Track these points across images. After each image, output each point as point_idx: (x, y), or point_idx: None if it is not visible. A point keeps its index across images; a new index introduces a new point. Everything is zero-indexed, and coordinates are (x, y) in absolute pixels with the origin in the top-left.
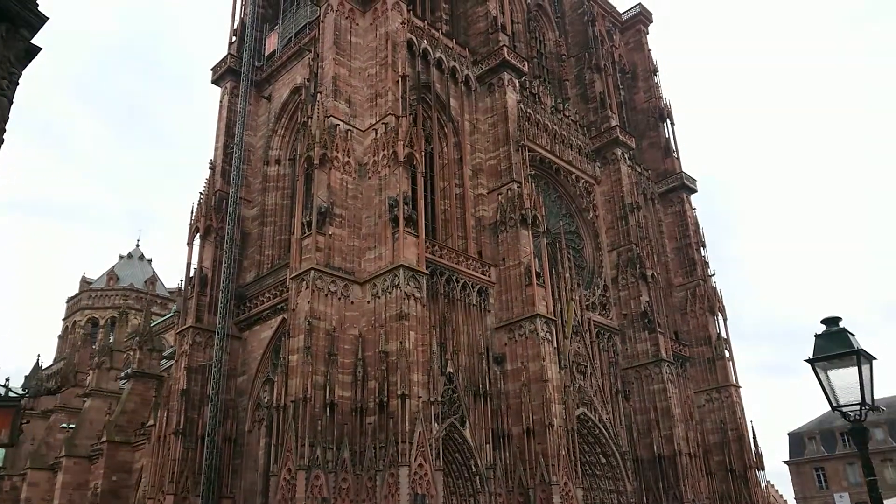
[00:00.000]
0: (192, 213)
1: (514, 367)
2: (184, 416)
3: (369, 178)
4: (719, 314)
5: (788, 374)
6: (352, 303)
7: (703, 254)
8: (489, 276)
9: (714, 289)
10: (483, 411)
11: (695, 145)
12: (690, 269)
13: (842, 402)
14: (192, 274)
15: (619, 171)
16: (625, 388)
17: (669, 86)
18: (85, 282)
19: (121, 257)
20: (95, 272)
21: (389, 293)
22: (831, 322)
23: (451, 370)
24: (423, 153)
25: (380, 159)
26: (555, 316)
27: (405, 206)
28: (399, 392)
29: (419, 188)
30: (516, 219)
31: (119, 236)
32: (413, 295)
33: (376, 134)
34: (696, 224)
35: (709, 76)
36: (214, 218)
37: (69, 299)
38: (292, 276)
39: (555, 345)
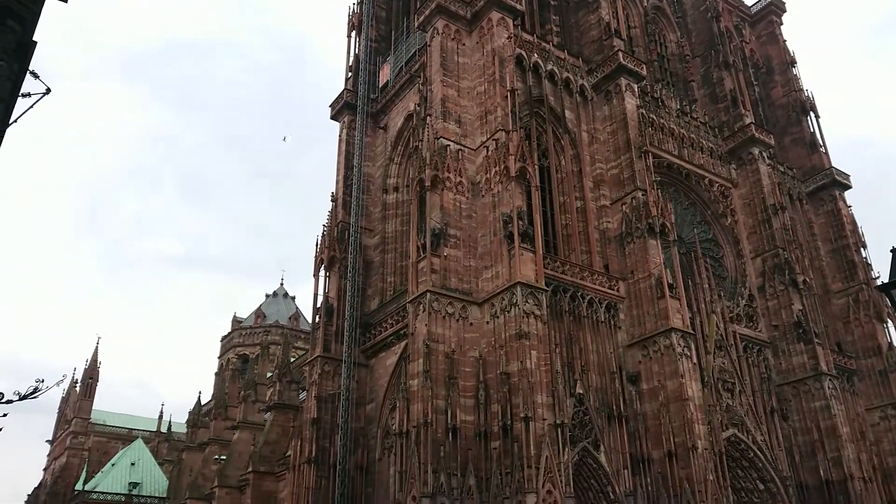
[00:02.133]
0: (316, 245)
1: (651, 386)
2: (315, 445)
3: (482, 196)
4: (889, 321)
5: None
6: (470, 324)
7: (864, 255)
8: (617, 291)
9: (881, 294)
10: (619, 434)
11: (844, 138)
12: (850, 273)
13: None
14: (318, 305)
15: (757, 172)
16: (781, 406)
17: (810, 77)
18: (236, 321)
19: (267, 296)
20: (245, 312)
21: (508, 312)
22: None
23: (581, 391)
24: (536, 167)
25: (492, 176)
26: (693, 330)
27: (520, 222)
28: (522, 414)
29: (535, 203)
30: (643, 228)
31: (266, 278)
32: (532, 312)
33: (487, 151)
34: (854, 223)
35: (851, 63)
36: (338, 248)
37: (223, 338)
38: (409, 299)
39: (694, 360)
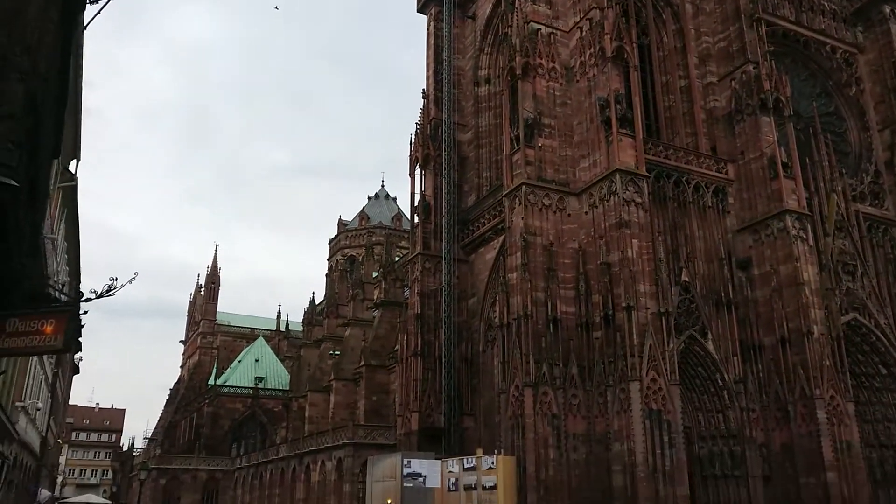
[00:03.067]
0: (410, 144)
1: (762, 272)
2: (421, 339)
3: (577, 81)
4: None
5: None
6: (568, 215)
7: None
8: (726, 174)
9: None
10: (727, 321)
11: None
12: None
13: None
14: (416, 204)
15: (888, 33)
16: None
17: None
18: (341, 224)
19: (369, 198)
20: (350, 215)
21: (607, 201)
22: None
23: (687, 279)
24: (634, 46)
25: (586, 59)
26: (810, 211)
27: (618, 106)
28: (624, 304)
29: (633, 85)
30: (754, 105)
31: (368, 181)
32: (633, 200)
33: (581, 32)
34: None
35: None
36: (431, 146)
37: (330, 241)
38: (505, 193)
39: (811, 243)
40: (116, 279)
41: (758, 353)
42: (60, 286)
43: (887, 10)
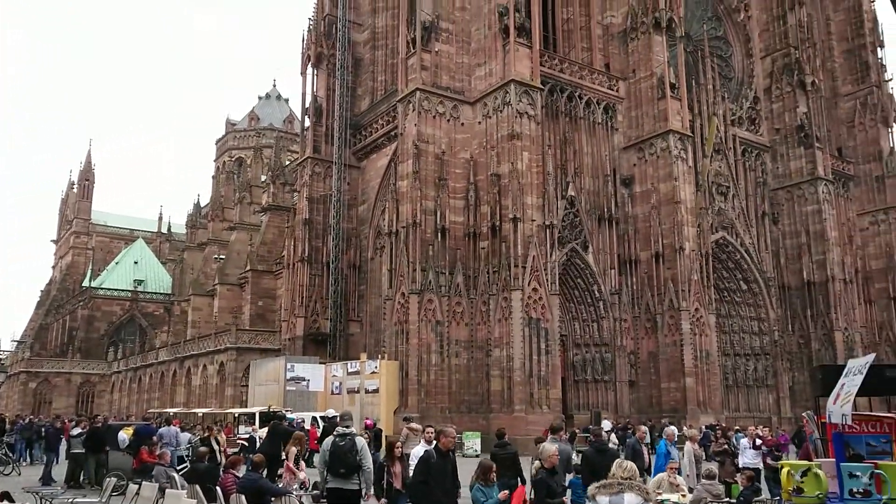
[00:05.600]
0: (303, 41)
1: (644, 189)
2: (309, 245)
3: None
4: (894, 125)
5: None
6: (462, 124)
7: (879, 56)
8: (617, 91)
9: (890, 96)
10: (608, 236)
11: None
12: (863, 75)
13: None
14: (307, 105)
15: None
16: (773, 210)
17: None
18: (230, 123)
19: (260, 98)
20: (240, 115)
21: (500, 112)
22: None
23: (573, 193)
24: None
25: None
26: (692, 132)
27: (517, 14)
28: (511, 215)
29: None
30: (649, 23)
31: (260, 80)
32: (526, 112)
33: None
34: (875, 20)
35: None
36: (325, 44)
37: (217, 141)
38: (399, 98)
39: (690, 164)
40: None
41: (634, 267)
42: None
43: None
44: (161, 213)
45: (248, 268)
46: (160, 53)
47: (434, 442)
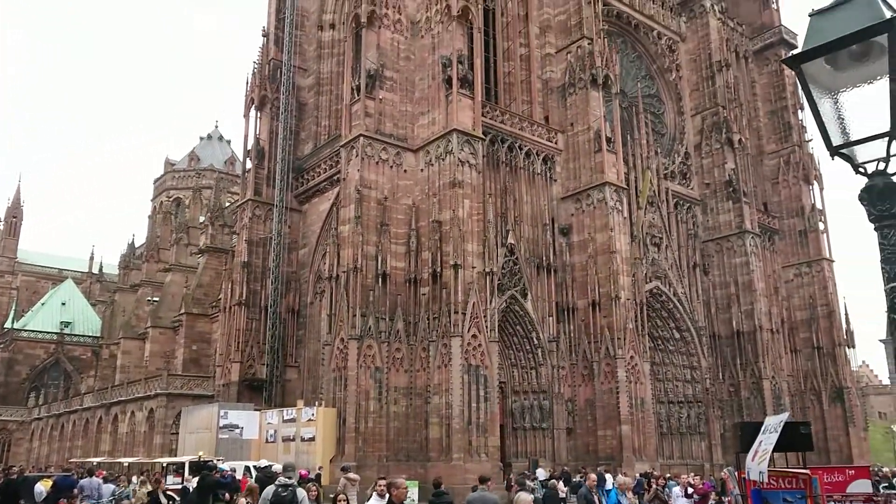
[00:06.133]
0: (247, 83)
1: (581, 239)
2: (246, 288)
3: (422, 36)
4: (815, 183)
5: None
6: (405, 171)
7: (800, 117)
8: (556, 143)
9: (811, 156)
10: (546, 284)
11: None
12: (785, 135)
13: (853, 135)
14: (249, 147)
15: (707, 26)
16: (704, 261)
17: None
18: (169, 163)
19: (201, 139)
20: (180, 155)
21: (443, 160)
22: None
23: (513, 241)
24: (480, 7)
25: (432, 15)
26: (627, 185)
27: (460, 66)
28: (452, 262)
29: (477, 47)
30: (586, 79)
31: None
32: (467, 161)
33: None
34: (795, 84)
35: None
36: (269, 88)
37: (155, 181)
38: (342, 143)
39: (625, 215)
40: None
41: (571, 315)
42: None
43: (708, 3)
44: (93, 253)
45: (183, 310)
46: (96, 92)
47: (386, 495)
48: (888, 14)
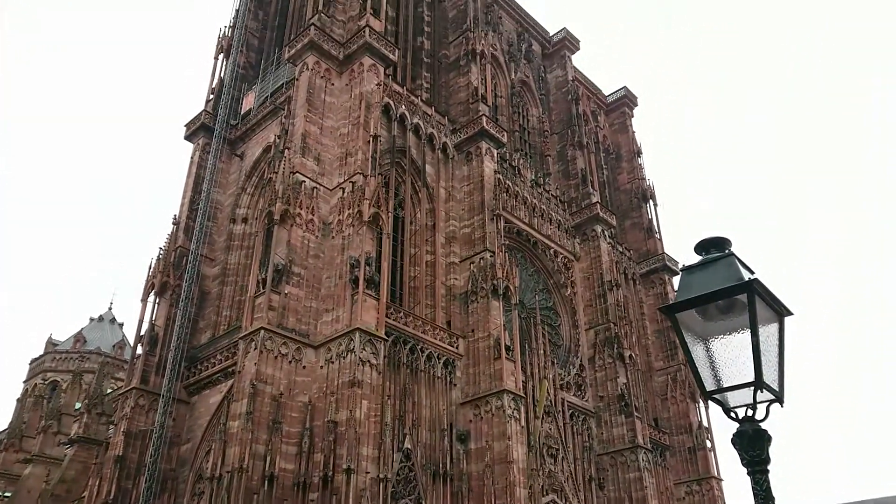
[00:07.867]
0: (149, 268)
1: (479, 446)
2: (117, 486)
3: (332, 237)
4: (701, 402)
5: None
6: (304, 367)
7: None
8: (457, 348)
9: None
10: (442, 493)
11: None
12: (672, 353)
13: (725, 382)
14: (142, 332)
15: (598, 248)
16: (599, 475)
17: (653, 167)
18: (51, 343)
19: (91, 320)
20: (66, 334)
21: (343, 358)
22: (712, 246)
23: (409, 446)
24: (390, 215)
25: (344, 218)
26: (525, 393)
27: (367, 268)
28: (345, 466)
29: (385, 251)
30: (488, 289)
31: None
32: (369, 360)
33: (343, 192)
34: None
35: (694, 158)
36: (172, 274)
37: (32, 361)
38: (241, 335)
39: (523, 424)
40: None
41: None
42: None
43: (599, 229)
44: None
45: None
46: None
47: None
48: (746, 276)
